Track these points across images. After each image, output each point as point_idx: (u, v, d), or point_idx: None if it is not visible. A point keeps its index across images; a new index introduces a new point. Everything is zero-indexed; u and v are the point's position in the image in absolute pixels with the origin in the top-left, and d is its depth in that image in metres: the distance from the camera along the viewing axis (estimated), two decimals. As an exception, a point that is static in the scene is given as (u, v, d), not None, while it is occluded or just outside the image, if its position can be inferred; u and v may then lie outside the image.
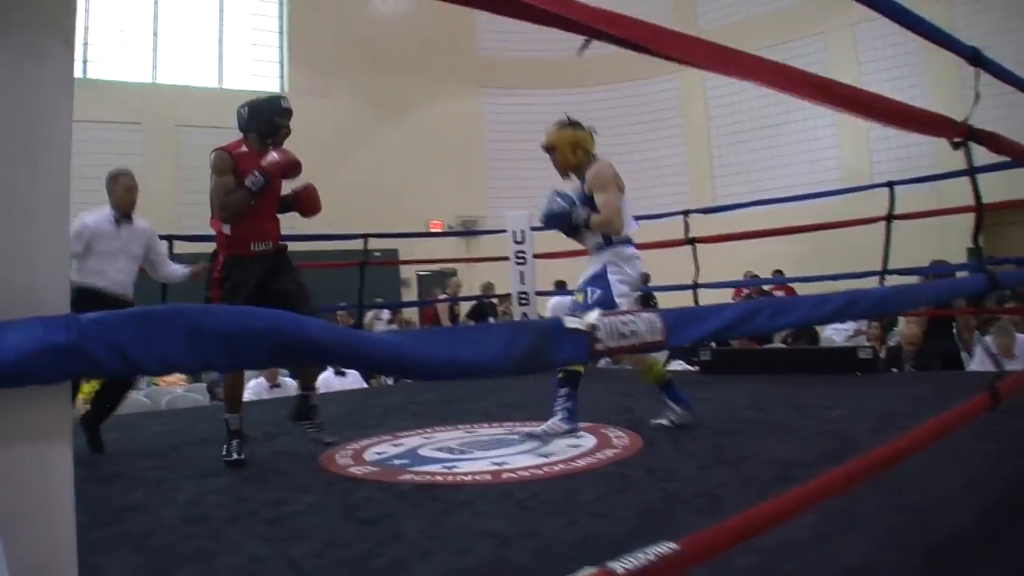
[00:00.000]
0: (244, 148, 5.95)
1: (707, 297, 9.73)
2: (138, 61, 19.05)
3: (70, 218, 1.42)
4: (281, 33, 20.76)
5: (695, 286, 9.93)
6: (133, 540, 4.05)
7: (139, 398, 11.11)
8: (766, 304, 2.62)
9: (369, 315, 16.00)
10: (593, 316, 2.03)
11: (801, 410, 6.72)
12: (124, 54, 18.88)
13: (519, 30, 22.27)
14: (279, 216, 6.26)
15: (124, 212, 6.77)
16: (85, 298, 6.23)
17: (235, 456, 5.77)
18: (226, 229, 5.90)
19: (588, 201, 5.83)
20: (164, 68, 19.33)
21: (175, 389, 12.53)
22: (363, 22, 21.41)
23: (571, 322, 1.99)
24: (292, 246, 12.52)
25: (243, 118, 6.03)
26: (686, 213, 10.33)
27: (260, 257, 5.94)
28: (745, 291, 16.24)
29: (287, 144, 6.03)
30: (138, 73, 18.99)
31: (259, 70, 20.50)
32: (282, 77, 20.69)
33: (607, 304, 5.59)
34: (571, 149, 5.93)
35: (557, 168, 6.04)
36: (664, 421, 6.10)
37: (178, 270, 7.28)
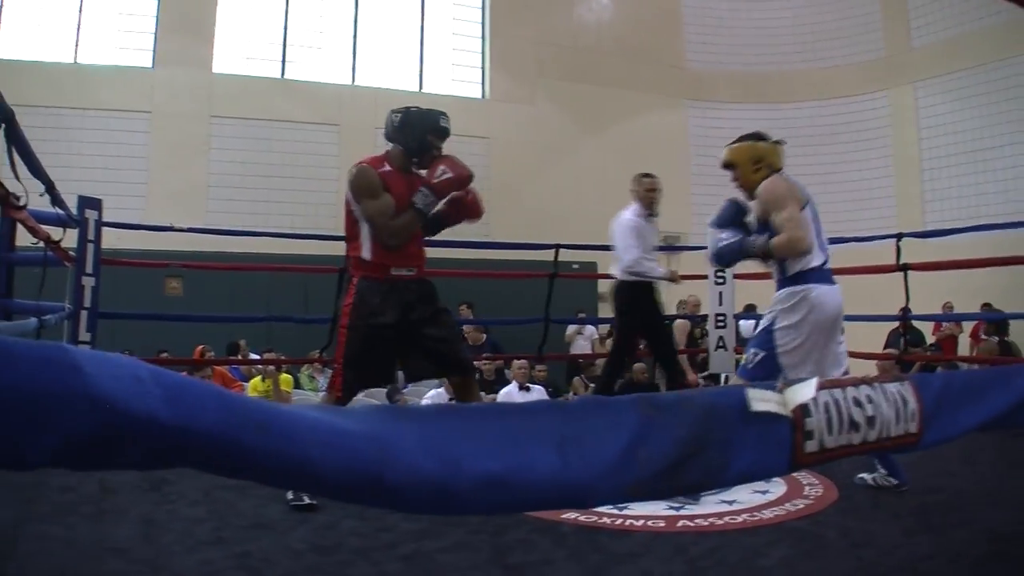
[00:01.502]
0: (386, 165, 5.24)
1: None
2: (337, 63, 19.02)
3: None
4: (483, 39, 20.50)
5: (904, 317, 9.16)
6: (250, 565, 3.78)
7: (313, 399, 10.91)
8: None
9: (570, 330, 15.55)
10: (806, 389, 1.32)
11: (1018, 466, 6.06)
12: (323, 56, 18.87)
13: (728, 42, 21.76)
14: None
15: (648, 208, 7.65)
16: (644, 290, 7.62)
17: (302, 500, 4.95)
18: (365, 253, 5.20)
19: (763, 227, 4.95)
20: (363, 71, 19.23)
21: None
22: (567, 30, 21.01)
23: (762, 400, 1.26)
24: (482, 254, 12.32)
25: (392, 125, 5.31)
26: (899, 237, 9.48)
27: (400, 283, 5.22)
28: (945, 325, 15.32)
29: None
30: (337, 75, 18.94)
31: (460, 75, 20.27)
32: (483, 83, 20.44)
33: (768, 375, 4.79)
34: (753, 165, 5.06)
35: (741, 189, 5.18)
36: (867, 477, 5.38)
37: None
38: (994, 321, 14.01)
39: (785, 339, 4.77)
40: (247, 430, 0.95)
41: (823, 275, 4.85)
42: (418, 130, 5.22)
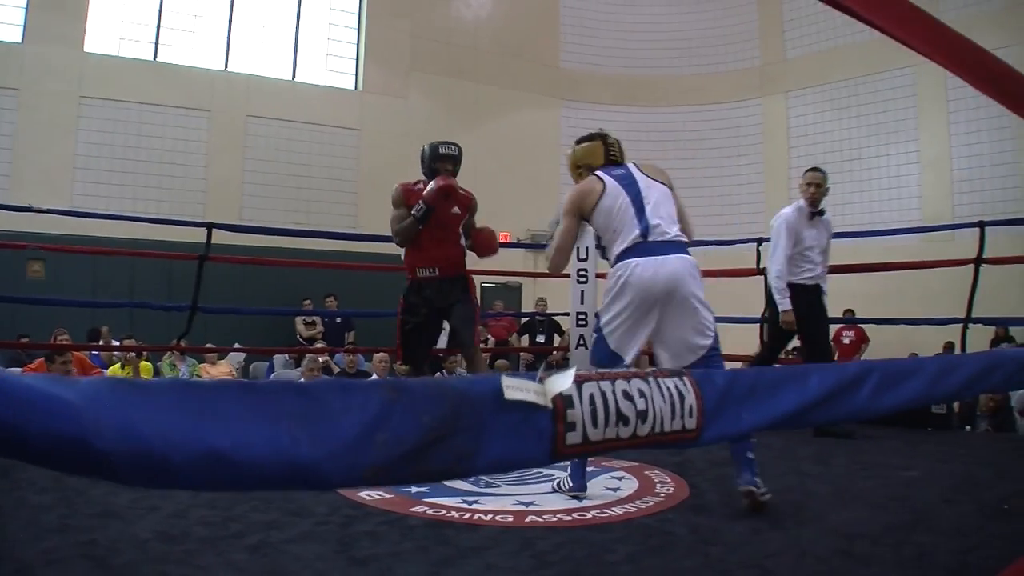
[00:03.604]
0: (420, 185, 6.48)
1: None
2: (211, 48, 18.72)
3: None
4: (359, 30, 20.39)
5: (763, 320, 9.32)
6: (96, 554, 3.67)
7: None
8: (876, 368, 1.83)
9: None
10: (564, 379, 1.32)
11: (868, 468, 6.14)
12: (197, 40, 18.56)
13: (605, 45, 21.91)
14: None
15: (811, 205, 7.62)
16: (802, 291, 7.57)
17: None
18: (403, 256, 6.66)
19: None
20: (237, 57, 18.99)
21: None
22: (443, 25, 21.01)
23: (517, 389, 1.27)
24: (351, 246, 12.30)
25: (421, 162, 6.56)
26: (759, 242, 9.74)
27: (426, 282, 6.52)
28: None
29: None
30: (210, 60, 18.65)
31: (333, 65, 20.14)
32: (357, 75, 20.31)
33: (602, 362, 4.78)
34: (576, 171, 5.25)
35: None
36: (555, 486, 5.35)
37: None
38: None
39: (605, 318, 4.79)
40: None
41: (642, 249, 4.74)
42: (427, 161, 6.50)
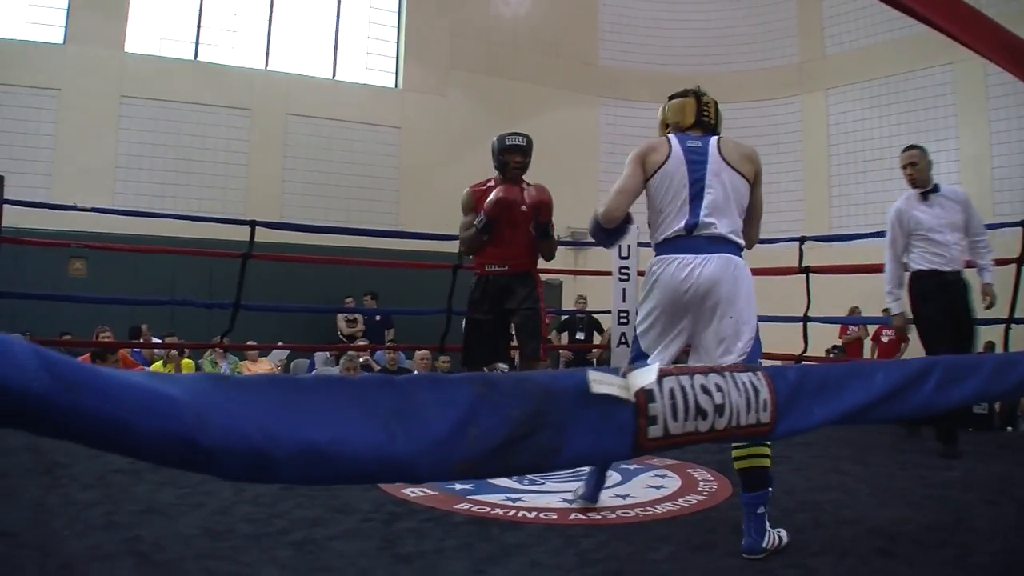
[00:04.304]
0: (491, 183, 6.39)
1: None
2: (251, 47, 18.75)
3: None
4: (399, 28, 20.39)
5: (805, 319, 9.28)
6: (141, 550, 3.70)
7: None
8: (939, 364, 1.80)
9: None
10: (648, 374, 1.33)
11: (908, 467, 6.12)
12: (237, 39, 18.60)
13: (643, 43, 21.82)
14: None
15: (914, 186, 7.09)
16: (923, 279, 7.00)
17: None
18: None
19: None
20: (277, 56, 18.99)
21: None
22: (482, 23, 20.99)
23: (602, 383, 1.28)
24: (393, 243, 12.26)
25: (492, 155, 6.46)
26: (802, 240, 9.66)
27: (493, 277, 6.38)
28: (852, 328, 15.63)
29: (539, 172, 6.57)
30: (250, 59, 18.67)
31: (374, 64, 20.14)
32: (397, 73, 20.30)
33: (637, 359, 4.28)
34: (663, 131, 4.62)
35: None
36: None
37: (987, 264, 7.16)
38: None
39: (639, 318, 4.36)
40: (60, 389, 0.94)
41: (682, 245, 4.22)
42: (496, 152, 6.40)
